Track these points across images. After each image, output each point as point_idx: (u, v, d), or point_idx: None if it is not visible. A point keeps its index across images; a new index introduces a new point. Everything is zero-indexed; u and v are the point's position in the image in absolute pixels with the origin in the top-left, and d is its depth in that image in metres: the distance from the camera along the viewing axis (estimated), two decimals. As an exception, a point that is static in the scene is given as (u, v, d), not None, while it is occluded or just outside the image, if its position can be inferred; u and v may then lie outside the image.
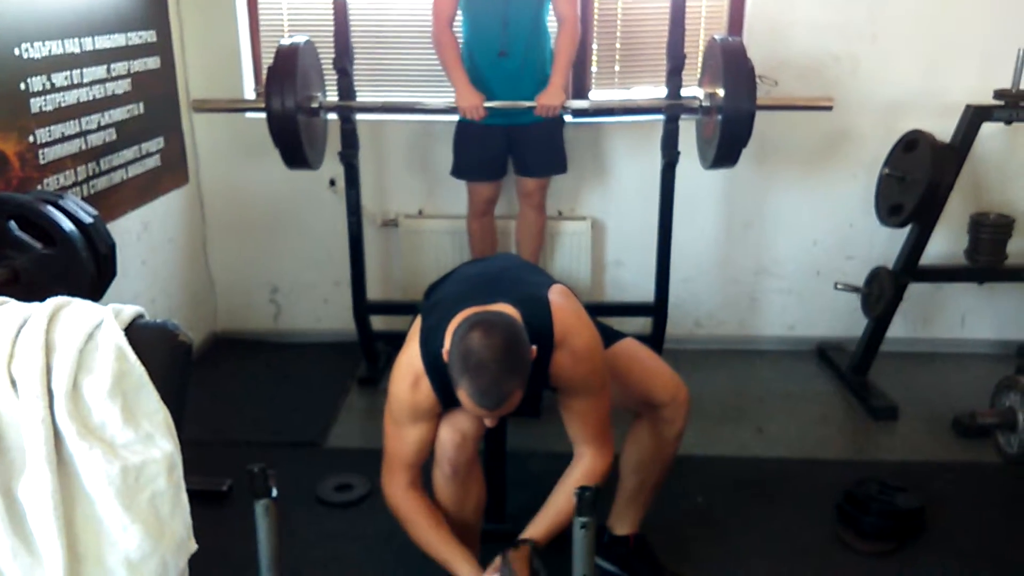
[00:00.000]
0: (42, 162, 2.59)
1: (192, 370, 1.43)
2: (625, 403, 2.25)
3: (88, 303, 1.35)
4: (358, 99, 3.27)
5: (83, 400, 1.26)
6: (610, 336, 2.32)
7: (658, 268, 3.39)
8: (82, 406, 1.26)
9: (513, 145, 3.36)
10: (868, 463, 2.96)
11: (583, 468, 2.11)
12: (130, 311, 1.36)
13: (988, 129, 3.25)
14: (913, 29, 3.48)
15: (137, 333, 1.33)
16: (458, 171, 3.45)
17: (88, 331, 1.29)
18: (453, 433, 2.03)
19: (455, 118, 3.33)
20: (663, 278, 3.39)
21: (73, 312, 1.32)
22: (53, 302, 1.33)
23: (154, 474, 1.27)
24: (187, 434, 1.43)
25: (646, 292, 3.49)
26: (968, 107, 3.20)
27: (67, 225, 2.15)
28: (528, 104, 3.14)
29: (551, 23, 3.32)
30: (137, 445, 1.27)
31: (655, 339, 3.48)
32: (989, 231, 3.38)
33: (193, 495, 1.42)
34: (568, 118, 3.42)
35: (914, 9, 3.46)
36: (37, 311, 1.31)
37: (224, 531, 2.04)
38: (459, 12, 3.28)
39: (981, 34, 3.45)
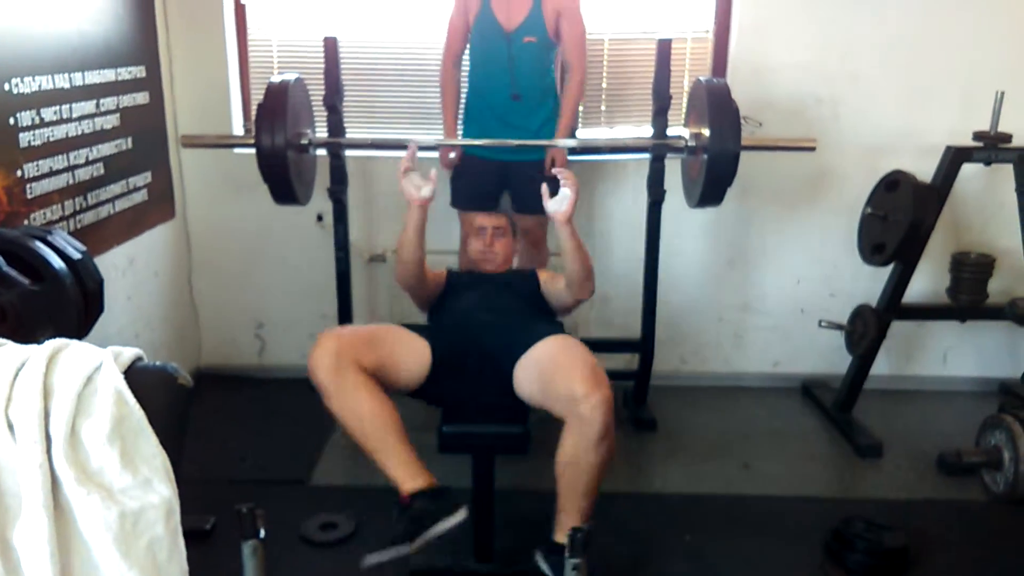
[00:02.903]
0: (29, 196, 2.58)
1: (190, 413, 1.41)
2: (548, 400, 2.30)
3: (87, 346, 1.34)
4: (347, 136, 3.29)
5: (81, 445, 1.25)
6: (549, 330, 2.49)
7: (644, 304, 3.41)
8: (80, 451, 1.25)
9: (509, 182, 3.38)
10: (854, 501, 2.97)
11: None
12: (129, 353, 1.35)
13: (968, 170, 3.32)
14: (893, 71, 3.55)
15: (136, 376, 1.32)
16: (453, 201, 3.48)
17: (87, 374, 1.27)
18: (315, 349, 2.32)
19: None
20: (649, 314, 3.42)
21: (72, 355, 1.31)
22: (51, 345, 1.32)
23: (152, 520, 1.26)
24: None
25: (632, 328, 3.51)
26: (948, 148, 3.27)
27: (56, 261, 2.14)
28: (521, 143, 3.21)
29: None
30: (135, 490, 1.25)
31: (642, 375, 3.50)
32: (970, 270, 3.43)
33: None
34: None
35: (894, 52, 3.53)
36: (35, 354, 1.30)
37: (207, 571, 2.01)
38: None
39: (960, 76, 3.53)
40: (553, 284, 2.88)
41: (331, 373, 2.27)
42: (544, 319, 2.74)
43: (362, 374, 2.30)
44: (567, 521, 2.34)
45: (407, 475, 2.27)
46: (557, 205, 2.57)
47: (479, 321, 2.60)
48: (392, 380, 2.40)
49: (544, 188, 2.62)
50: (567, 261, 2.65)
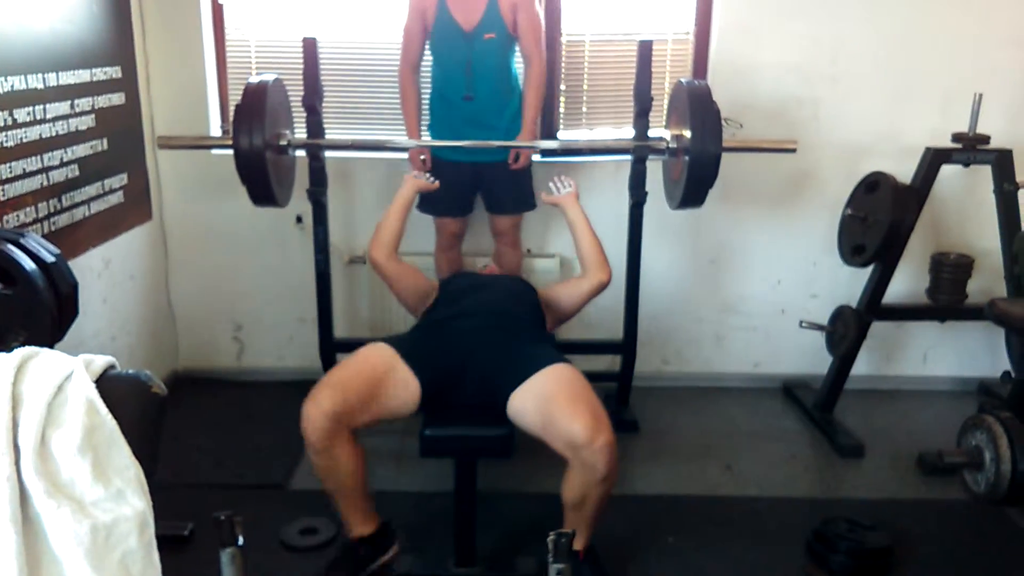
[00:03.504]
0: (2, 199, 2.53)
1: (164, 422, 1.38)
2: (550, 440, 2.26)
3: (58, 353, 1.30)
4: (327, 137, 3.26)
5: (51, 456, 1.21)
6: (551, 357, 2.40)
7: (627, 306, 3.41)
8: (50, 462, 1.21)
9: (482, 183, 3.38)
10: (836, 501, 2.98)
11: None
12: (101, 361, 1.32)
13: (947, 171, 3.34)
14: (873, 73, 3.56)
15: (109, 385, 1.29)
16: (424, 206, 3.46)
17: (57, 383, 1.24)
18: (313, 407, 2.24)
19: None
20: (632, 316, 3.41)
21: (42, 363, 1.27)
22: (20, 352, 1.29)
23: (125, 533, 1.22)
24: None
25: (614, 330, 3.50)
26: (928, 150, 3.28)
27: (28, 265, 2.10)
28: (493, 144, 3.21)
29: (518, 63, 3.37)
30: (108, 503, 1.22)
31: (624, 376, 3.50)
32: (950, 271, 3.45)
33: (153, 539, 1.37)
34: (536, 157, 3.44)
35: (874, 54, 3.54)
36: (3, 362, 1.26)
37: (186, 579, 1.99)
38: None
39: (939, 78, 3.55)
40: (558, 291, 2.91)
41: (324, 438, 2.25)
42: (543, 338, 2.67)
43: (351, 443, 2.30)
44: (578, 536, 2.40)
45: (358, 521, 2.44)
46: (565, 191, 2.98)
47: (475, 336, 2.52)
48: (385, 420, 2.38)
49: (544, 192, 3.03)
50: (582, 240, 2.88)
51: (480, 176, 3.37)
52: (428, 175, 3.07)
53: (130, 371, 1.36)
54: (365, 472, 2.38)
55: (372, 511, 2.46)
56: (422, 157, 3.34)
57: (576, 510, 2.36)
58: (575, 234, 2.91)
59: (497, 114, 3.30)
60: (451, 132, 3.29)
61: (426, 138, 3.39)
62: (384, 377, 2.34)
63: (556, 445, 2.24)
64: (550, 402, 2.25)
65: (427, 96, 3.44)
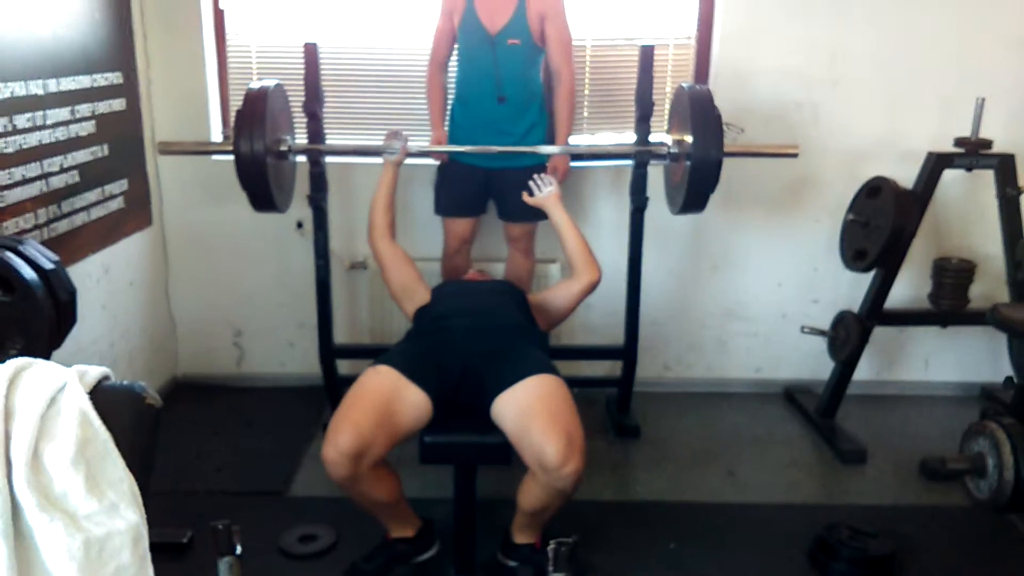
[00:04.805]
0: (1, 206, 2.53)
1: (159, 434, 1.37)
2: (521, 452, 2.26)
3: (51, 364, 1.30)
4: (328, 142, 3.26)
5: (44, 469, 1.20)
6: (539, 365, 2.39)
7: (628, 311, 3.40)
8: (43, 475, 1.20)
9: (494, 189, 3.36)
10: (838, 507, 2.96)
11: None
12: (95, 373, 1.31)
13: (949, 176, 3.33)
14: (875, 77, 3.55)
15: (102, 396, 1.28)
16: (438, 208, 3.46)
17: (50, 395, 1.23)
18: (332, 450, 2.22)
19: (425, 161, 3.39)
20: (633, 321, 3.40)
21: (35, 375, 1.26)
22: (14, 364, 1.28)
23: (118, 547, 1.21)
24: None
25: (615, 335, 3.49)
26: (930, 154, 3.27)
27: (27, 272, 2.10)
28: (503, 149, 3.21)
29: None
30: (101, 516, 1.21)
31: (625, 382, 3.49)
32: (951, 276, 3.43)
33: (152, 548, 1.35)
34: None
35: (876, 58, 3.53)
36: (-4, 373, 1.26)
37: (185, 588, 1.98)
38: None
39: (941, 82, 3.54)
40: (549, 294, 2.89)
41: (349, 477, 2.24)
42: (533, 336, 2.66)
43: (378, 471, 2.30)
44: (531, 531, 2.49)
45: (396, 527, 2.51)
46: (546, 191, 2.92)
47: (463, 335, 2.53)
48: (403, 441, 2.37)
49: (525, 193, 2.94)
50: (569, 240, 2.83)
51: (491, 181, 3.34)
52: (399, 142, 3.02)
53: (124, 382, 1.35)
54: (399, 490, 2.41)
55: (411, 517, 2.52)
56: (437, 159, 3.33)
57: (533, 515, 2.40)
58: (561, 235, 2.86)
59: (514, 121, 3.27)
60: (467, 136, 3.27)
61: (426, 143, 3.38)
62: (393, 401, 2.31)
63: (527, 459, 2.24)
64: (529, 416, 2.23)
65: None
